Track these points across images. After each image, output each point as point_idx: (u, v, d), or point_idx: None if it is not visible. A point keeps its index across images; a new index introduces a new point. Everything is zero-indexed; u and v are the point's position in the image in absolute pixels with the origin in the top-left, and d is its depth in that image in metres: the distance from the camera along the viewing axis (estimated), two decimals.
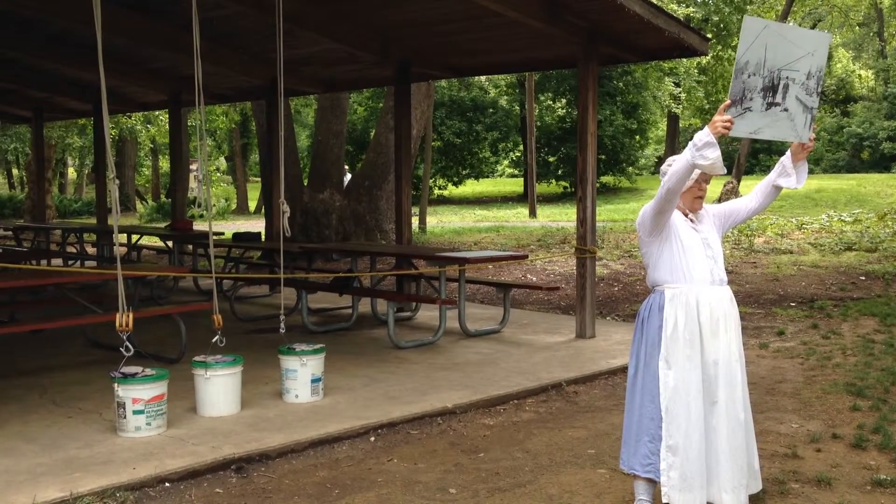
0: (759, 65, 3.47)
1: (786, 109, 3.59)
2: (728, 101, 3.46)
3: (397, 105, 10.01)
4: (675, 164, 3.59)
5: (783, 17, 25.32)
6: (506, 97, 36.18)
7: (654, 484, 3.83)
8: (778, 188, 3.88)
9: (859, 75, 44.97)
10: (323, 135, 17.02)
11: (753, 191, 3.99)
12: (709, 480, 3.67)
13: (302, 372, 5.74)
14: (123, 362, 5.03)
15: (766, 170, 40.14)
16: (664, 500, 3.69)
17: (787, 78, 3.55)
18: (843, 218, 18.63)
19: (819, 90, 3.66)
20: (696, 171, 3.68)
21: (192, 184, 27.68)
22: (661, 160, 43.36)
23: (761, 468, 3.90)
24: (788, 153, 3.82)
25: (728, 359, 3.71)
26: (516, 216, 26.28)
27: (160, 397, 5.07)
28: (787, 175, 3.82)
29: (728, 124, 3.44)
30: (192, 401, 5.57)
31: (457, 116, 33.55)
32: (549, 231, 18.92)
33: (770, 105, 3.55)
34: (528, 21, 7.52)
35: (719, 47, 21.17)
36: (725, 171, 3.68)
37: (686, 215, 3.86)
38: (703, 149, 3.42)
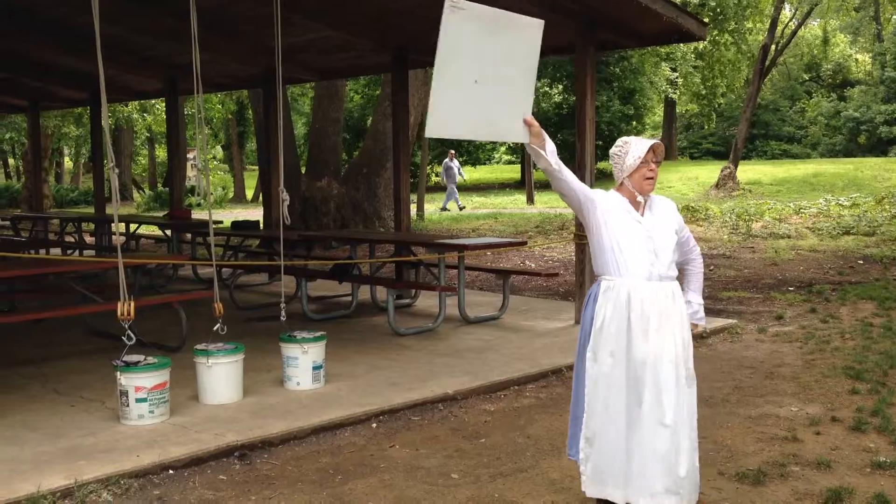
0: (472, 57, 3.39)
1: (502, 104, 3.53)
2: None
3: (395, 92, 9.98)
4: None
5: (778, 1, 25.25)
6: None
7: None
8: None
9: (856, 59, 44.95)
10: (320, 123, 16.99)
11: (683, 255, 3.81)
12: (626, 481, 3.49)
13: (303, 359, 5.76)
14: (126, 351, 5.05)
15: (764, 155, 40.17)
16: (582, 489, 3.64)
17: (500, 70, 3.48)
18: (840, 202, 18.64)
19: (533, 80, 3.57)
20: (643, 151, 3.54)
21: (190, 172, 27.66)
22: None
23: (702, 477, 3.69)
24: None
25: (658, 360, 3.46)
26: (514, 203, 26.28)
27: (163, 385, 5.09)
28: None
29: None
30: (194, 389, 5.59)
31: None
32: (547, 217, 18.91)
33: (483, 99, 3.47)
34: (525, 7, 7.50)
35: (716, 31, 21.11)
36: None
37: (633, 204, 3.62)
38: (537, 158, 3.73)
